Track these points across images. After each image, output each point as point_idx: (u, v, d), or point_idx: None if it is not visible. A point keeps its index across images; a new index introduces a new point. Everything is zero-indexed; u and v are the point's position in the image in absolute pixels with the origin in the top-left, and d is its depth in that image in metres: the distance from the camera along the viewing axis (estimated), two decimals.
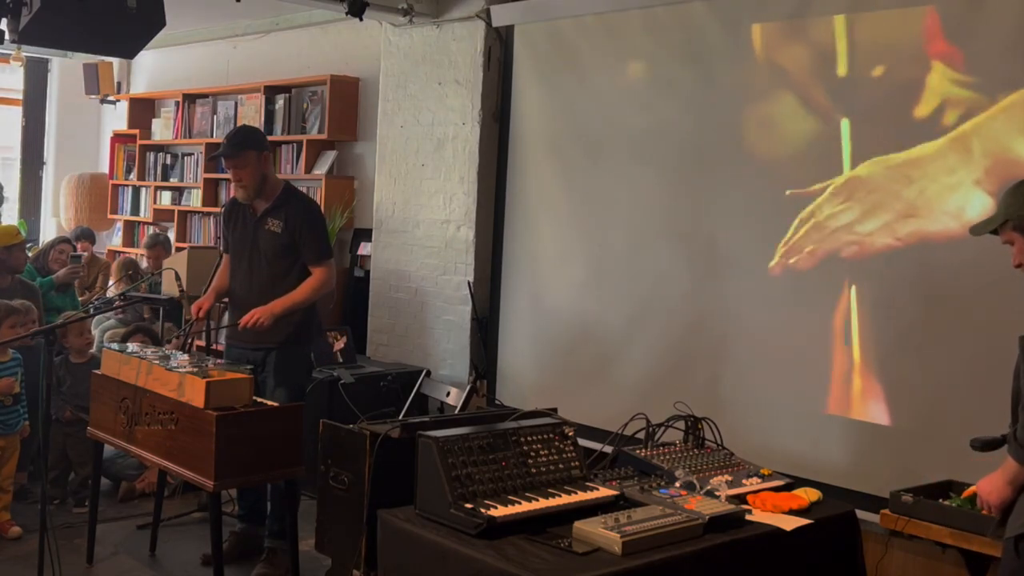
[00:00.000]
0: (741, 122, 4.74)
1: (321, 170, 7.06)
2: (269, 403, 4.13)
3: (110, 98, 9.35)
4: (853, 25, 4.35)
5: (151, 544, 4.80)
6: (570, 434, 3.29)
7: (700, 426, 3.66)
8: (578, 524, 2.82)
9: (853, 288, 4.34)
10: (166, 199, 8.61)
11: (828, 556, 3.24)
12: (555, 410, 3.53)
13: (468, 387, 5.42)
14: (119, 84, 9.42)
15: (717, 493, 3.17)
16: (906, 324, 4.18)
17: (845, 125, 4.38)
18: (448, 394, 5.31)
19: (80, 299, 6.62)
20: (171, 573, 4.59)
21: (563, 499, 3.01)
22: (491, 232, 5.97)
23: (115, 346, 4.79)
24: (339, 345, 5.99)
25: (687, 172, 4.97)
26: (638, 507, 2.99)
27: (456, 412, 5.05)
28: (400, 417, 4.58)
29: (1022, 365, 2.79)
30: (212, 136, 8.03)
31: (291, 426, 4.04)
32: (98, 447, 4.58)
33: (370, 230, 6.67)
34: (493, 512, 2.82)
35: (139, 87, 9.36)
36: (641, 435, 3.59)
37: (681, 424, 3.66)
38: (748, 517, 3.08)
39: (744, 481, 3.36)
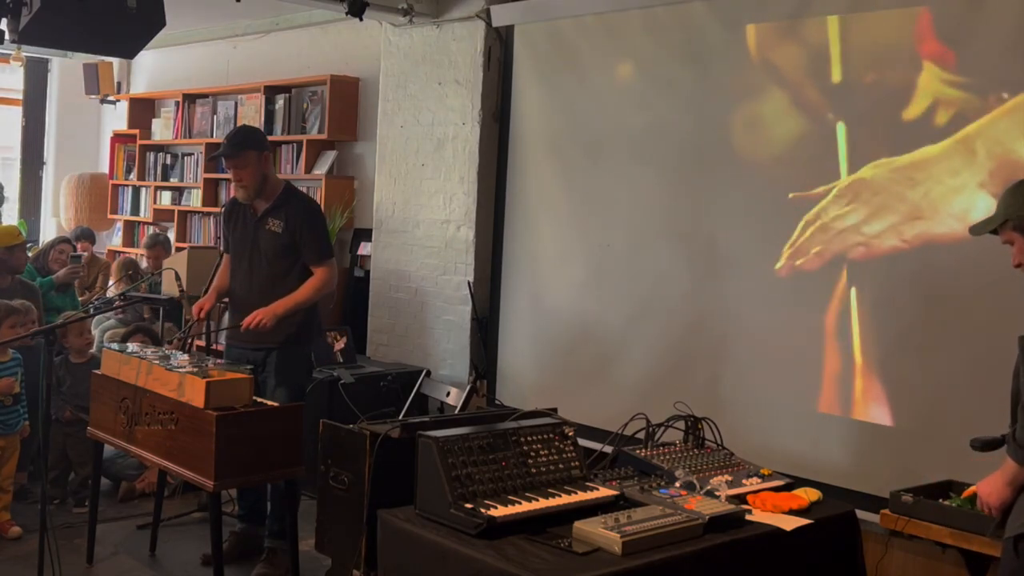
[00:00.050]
0: (741, 122, 4.74)
1: (321, 170, 7.06)
2: (269, 403, 4.13)
3: (110, 98, 9.35)
4: (852, 26, 4.35)
5: (151, 544, 4.80)
6: (570, 434, 3.29)
7: (700, 426, 3.66)
8: (578, 524, 2.82)
9: (853, 289, 4.34)
10: (166, 199, 8.61)
11: (828, 556, 3.24)
12: (555, 410, 3.53)
13: (468, 387, 5.42)
14: (119, 84, 9.42)
15: (717, 493, 3.17)
16: (906, 324, 4.18)
17: (841, 129, 4.38)
18: (448, 394, 5.31)
19: (80, 299, 6.62)
20: (171, 573, 4.59)
21: (563, 499, 3.01)
22: (491, 232, 5.97)
23: (115, 346, 4.79)
24: (339, 345, 5.99)
25: (687, 172, 4.97)
26: (638, 507, 2.99)
27: (456, 412, 5.05)
28: (400, 417, 4.58)
29: (1021, 365, 2.79)
30: (212, 136, 8.03)
31: (291, 426, 4.04)
32: (98, 447, 4.58)
33: (370, 230, 6.68)
34: (493, 512, 2.82)
35: (139, 87, 9.36)
36: (641, 435, 3.59)
37: (681, 424, 3.66)
38: (748, 517, 3.08)
39: (744, 481, 3.36)
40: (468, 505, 2.86)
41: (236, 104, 7.87)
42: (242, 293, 4.63)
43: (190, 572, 4.59)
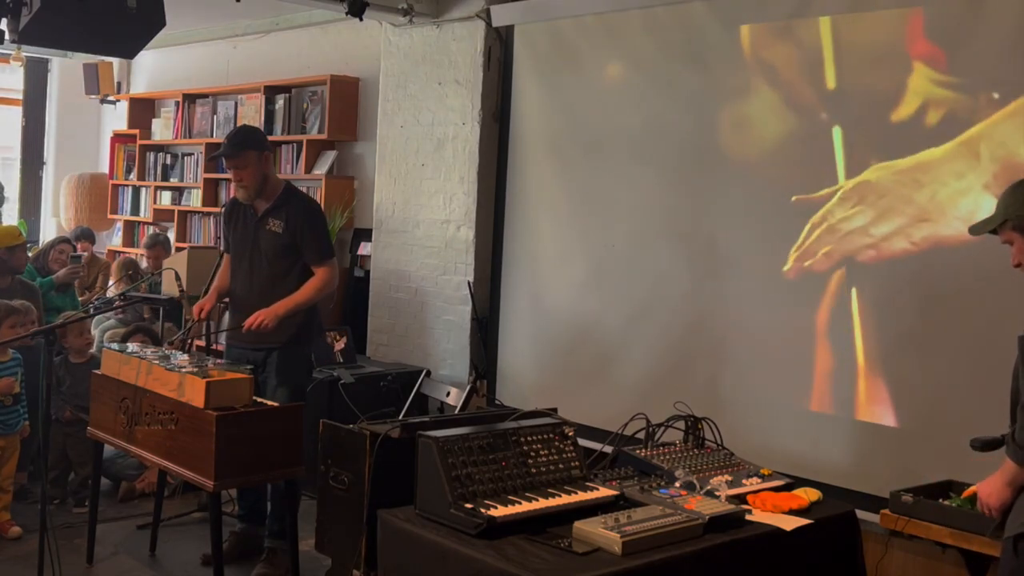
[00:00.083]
0: (741, 122, 4.74)
1: (321, 170, 7.06)
2: (269, 403, 4.13)
3: (110, 98, 9.35)
4: (851, 27, 4.35)
5: (151, 544, 4.80)
6: (570, 434, 3.29)
7: (700, 426, 3.66)
8: (578, 524, 2.82)
9: (853, 289, 4.34)
10: (166, 199, 8.61)
11: (828, 556, 3.24)
12: (555, 410, 3.53)
13: (468, 387, 5.42)
14: (119, 84, 9.42)
15: (717, 493, 3.17)
16: (907, 324, 4.18)
17: (836, 133, 4.38)
18: (448, 394, 5.31)
19: (80, 299, 6.62)
20: (171, 573, 4.59)
21: (563, 499, 3.01)
22: (491, 232, 5.97)
23: (115, 346, 4.79)
24: (339, 345, 5.99)
25: (687, 172, 4.97)
26: (638, 507, 2.99)
27: (456, 412, 5.05)
28: (400, 417, 4.58)
29: (1021, 365, 2.79)
30: (212, 136, 8.03)
31: (291, 426, 4.04)
32: (98, 447, 4.58)
33: (370, 230, 6.68)
34: (493, 512, 2.82)
35: (139, 87, 9.36)
36: (641, 435, 3.59)
37: (681, 424, 3.66)
38: (748, 517, 3.08)
39: (744, 481, 3.36)
40: (468, 505, 2.86)
41: (236, 104, 7.87)
42: (242, 293, 4.63)
43: (190, 572, 4.59)
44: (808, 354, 4.48)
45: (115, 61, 9.15)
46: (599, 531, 2.77)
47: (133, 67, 9.39)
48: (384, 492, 3.23)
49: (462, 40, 5.99)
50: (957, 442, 3.45)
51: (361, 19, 5.71)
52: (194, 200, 8.28)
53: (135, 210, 9.00)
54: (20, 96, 9.65)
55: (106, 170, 9.34)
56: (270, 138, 6.38)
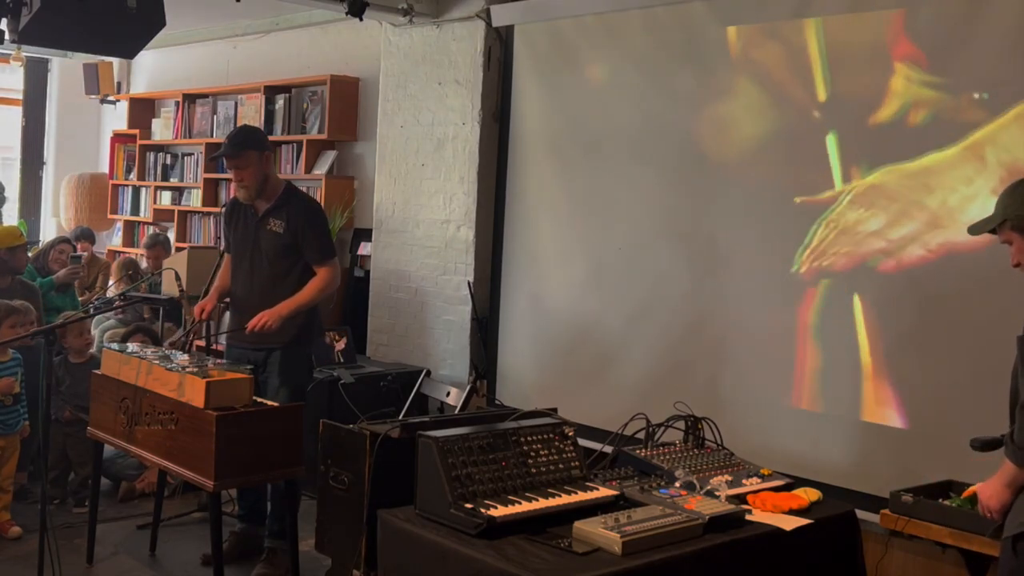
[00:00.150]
0: (741, 122, 4.74)
1: (321, 170, 7.07)
2: (269, 403, 4.13)
3: (110, 98, 9.35)
4: (850, 27, 4.35)
5: (151, 544, 4.80)
6: (570, 434, 3.29)
7: (700, 426, 3.66)
8: (578, 524, 2.82)
9: (855, 290, 4.34)
10: (166, 199, 8.61)
11: (828, 556, 3.24)
12: (555, 410, 3.53)
13: (468, 387, 5.42)
14: (119, 84, 9.42)
15: (717, 493, 3.18)
16: (907, 325, 4.18)
17: (831, 139, 4.39)
18: (448, 394, 5.31)
19: (80, 299, 6.62)
20: (171, 573, 4.59)
21: (563, 499, 3.01)
22: (491, 232, 5.97)
23: (115, 346, 4.79)
24: (339, 345, 5.99)
25: (687, 172, 4.97)
26: (638, 507, 2.99)
27: (456, 412, 5.05)
28: (400, 417, 4.58)
29: (1020, 365, 2.79)
30: (212, 136, 8.03)
31: (291, 426, 4.04)
32: (98, 447, 4.58)
33: (370, 230, 6.68)
34: (493, 512, 2.82)
35: (139, 87, 9.36)
36: (641, 435, 3.59)
37: (681, 424, 3.66)
38: (748, 517, 3.08)
39: (744, 481, 3.37)
40: (468, 505, 2.86)
41: (236, 104, 7.87)
42: (243, 294, 4.63)
43: (190, 572, 4.59)
44: (808, 354, 4.48)
45: (115, 61, 9.15)
46: (599, 531, 2.77)
47: (133, 67, 9.39)
48: (384, 492, 3.24)
49: (462, 40, 5.99)
50: (957, 442, 3.45)
51: (361, 19, 5.71)
52: (194, 200, 8.28)
53: (135, 210, 9.00)
54: (20, 96, 9.65)
55: (106, 170, 9.34)
56: (270, 138, 6.37)
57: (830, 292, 4.42)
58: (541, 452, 3.18)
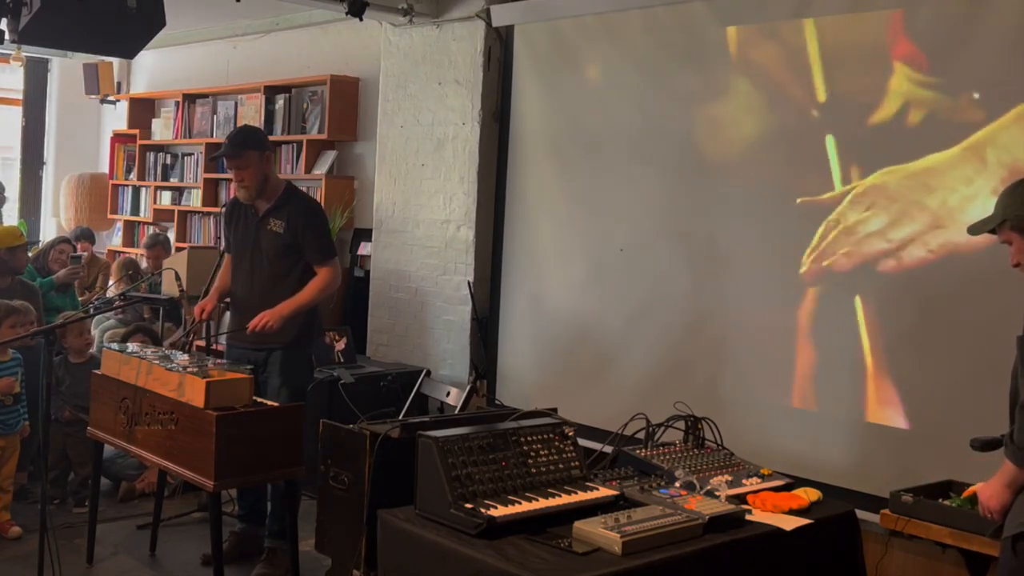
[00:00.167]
0: (741, 122, 4.74)
1: (321, 170, 7.07)
2: (269, 403, 4.13)
3: (110, 98, 9.35)
4: (850, 27, 4.36)
5: (151, 544, 4.80)
6: (570, 434, 3.29)
7: (700, 426, 3.66)
8: (578, 524, 2.82)
9: (855, 290, 4.34)
10: (166, 199, 8.61)
11: (828, 556, 3.24)
12: (555, 410, 3.53)
13: (468, 387, 5.42)
14: (119, 84, 9.42)
15: (717, 493, 3.18)
16: (908, 325, 4.18)
17: (830, 141, 4.39)
18: (448, 394, 5.31)
19: (80, 299, 6.62)
20: (171, 573, 4.59)
21: (563, 499, 3.01)
22: (491, 232, 5.97)
23: (115, 346, 4.79)
24: (339, 345, 5.99)
25: (687, 172, 4.97)
26: (638, 507, 2.99)
27: (456, 412, 5.05)
28: (400, 417, 4.58)
29: (1020, 365, 2.79)
30: (212, 136, 8.03)
31: (291, 426, 4.04)
32: (98, 447, 4.58)
33: (370, 230, 6.68)
34: (493, 512, 2.82)
35: (139, 87, 9.36)
36: (641, 435, 3.59)
37: (681, 424, 3.66)
38: (748, 517, 3.08)
39: (744, 481, 3.37)
40: (468, 505, 2.86)
41: (236, 104, 7.87)
42: (243, 294, 4.63)
43: (190, 572, 4.59)
44: (808, 354, 4.48)
45: (115, 61, 9.15)
46: (599, 531, 2.77)
47: (133, 67, 9.39)
48: (384, 492, 3.24)
49: (462, 40, 5.99)
50: (957, 442, 3.45)
51: (361, 19, 5.71)
52: (194, 200, 8.28)
53: (135, 210, 9.00)
54: (20, 96, 9.65)
55: (106, 170, 9.34)
56: (270, 138, 6.37)
57: (830, 292, 4.42)
58: (541, 452, 3.18)
